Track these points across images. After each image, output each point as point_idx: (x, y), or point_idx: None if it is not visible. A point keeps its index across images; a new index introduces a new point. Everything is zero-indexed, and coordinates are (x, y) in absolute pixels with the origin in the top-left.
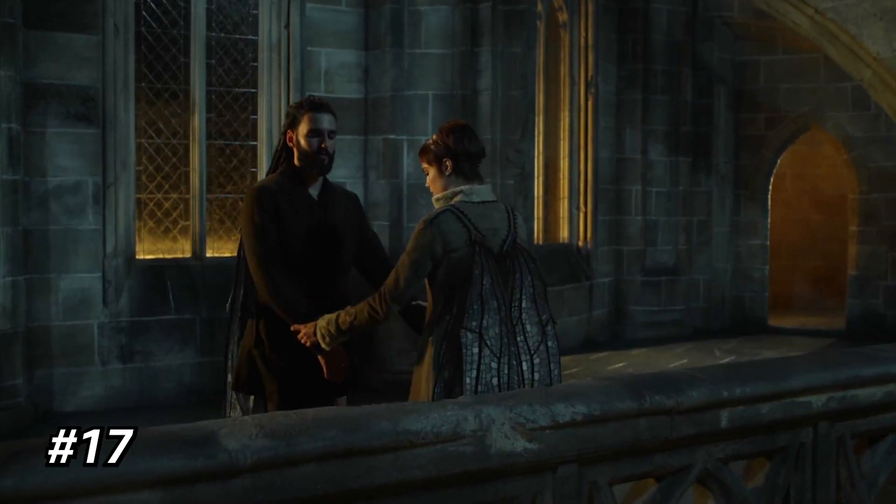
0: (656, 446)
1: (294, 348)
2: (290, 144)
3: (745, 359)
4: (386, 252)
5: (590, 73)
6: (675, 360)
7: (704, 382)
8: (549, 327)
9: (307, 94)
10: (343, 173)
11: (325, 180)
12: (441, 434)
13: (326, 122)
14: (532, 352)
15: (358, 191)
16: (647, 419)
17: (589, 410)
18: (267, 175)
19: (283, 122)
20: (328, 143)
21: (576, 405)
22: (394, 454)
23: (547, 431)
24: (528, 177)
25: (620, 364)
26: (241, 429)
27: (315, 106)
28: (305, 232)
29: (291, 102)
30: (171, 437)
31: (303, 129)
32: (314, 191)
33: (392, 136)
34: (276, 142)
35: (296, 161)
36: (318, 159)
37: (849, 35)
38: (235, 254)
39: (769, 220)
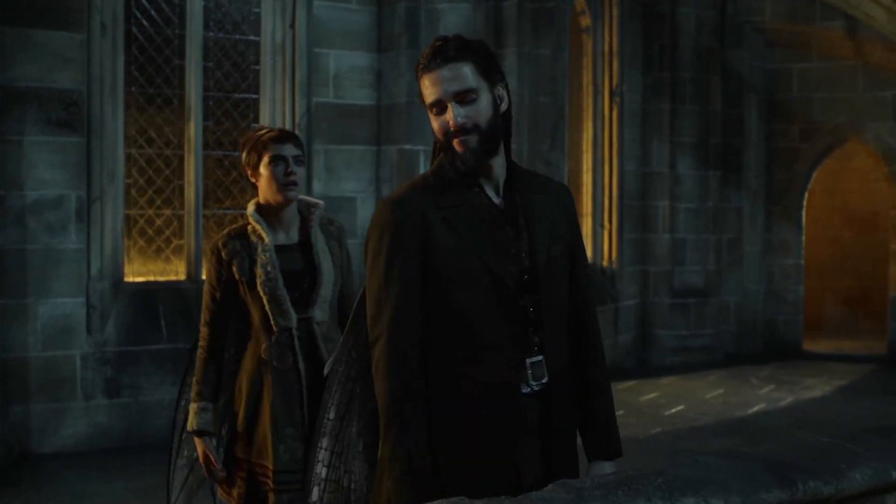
0: None
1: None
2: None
3: (786, 387)
4: (589, 298)
5: (614, 82)
6: (709, 389)
7: (866, 459)
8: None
9: (315, 100)
10: (353, 187)
11: (514, 170)
12: None
13: (446, 83)
14: None
15: (369, 206)
16: None
17: None
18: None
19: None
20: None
21: (710, 499)
22: None
23: None
24: None
25: (652, 395)
26: None
27: (429, 64)
28: (478, 265)
29: (297, 109)
30: None
31: (426, 99)
32: (490, 189)
33: (408, 147)
34: None
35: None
36: (449, 143)
37: None
38: None
39: (803, 239)
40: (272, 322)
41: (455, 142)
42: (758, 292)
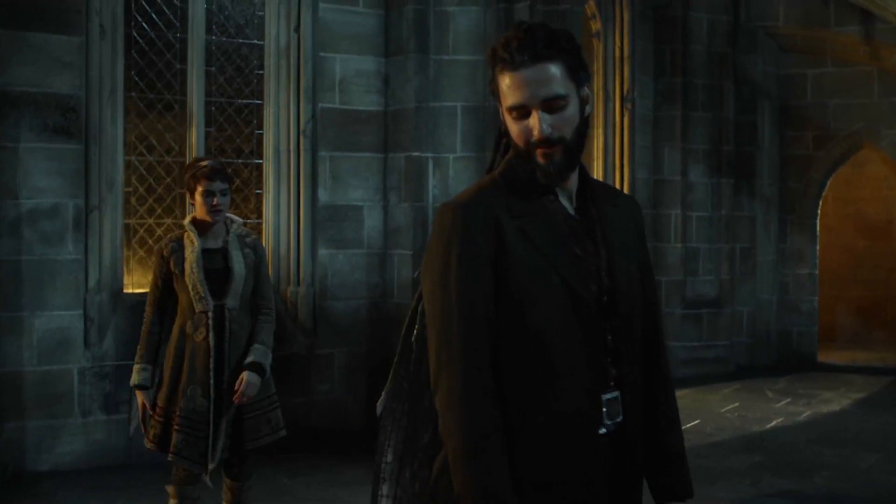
0: None
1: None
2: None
3: (802, 401)
4: (660, 323)
5: (625, 87)
6: (724, 402)
7: None
8: None
9: (320, 105)
10: (359, 195)
11: (585, 177)
12: None
13: (533, 87)
14: None
15: (376, 215)
16: None
17: None
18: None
19: None
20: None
21: None
22: None
23: None
24: None
25: None
26: None
27: (513, 60)
28: (556, 281)
29: (302, 114)
30: None
31: (505, 100)
32: (564, 198)
33: (416, 154)
34: (283, 160)
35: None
36: (530, 152)
37: None
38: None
39: (818, 248)
40: (194, 306)
41: (539, 152)
42: (771, 303)
